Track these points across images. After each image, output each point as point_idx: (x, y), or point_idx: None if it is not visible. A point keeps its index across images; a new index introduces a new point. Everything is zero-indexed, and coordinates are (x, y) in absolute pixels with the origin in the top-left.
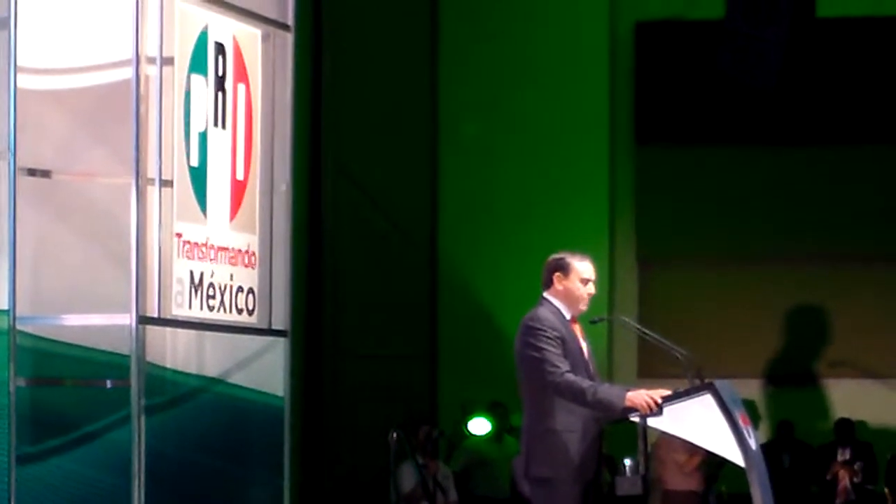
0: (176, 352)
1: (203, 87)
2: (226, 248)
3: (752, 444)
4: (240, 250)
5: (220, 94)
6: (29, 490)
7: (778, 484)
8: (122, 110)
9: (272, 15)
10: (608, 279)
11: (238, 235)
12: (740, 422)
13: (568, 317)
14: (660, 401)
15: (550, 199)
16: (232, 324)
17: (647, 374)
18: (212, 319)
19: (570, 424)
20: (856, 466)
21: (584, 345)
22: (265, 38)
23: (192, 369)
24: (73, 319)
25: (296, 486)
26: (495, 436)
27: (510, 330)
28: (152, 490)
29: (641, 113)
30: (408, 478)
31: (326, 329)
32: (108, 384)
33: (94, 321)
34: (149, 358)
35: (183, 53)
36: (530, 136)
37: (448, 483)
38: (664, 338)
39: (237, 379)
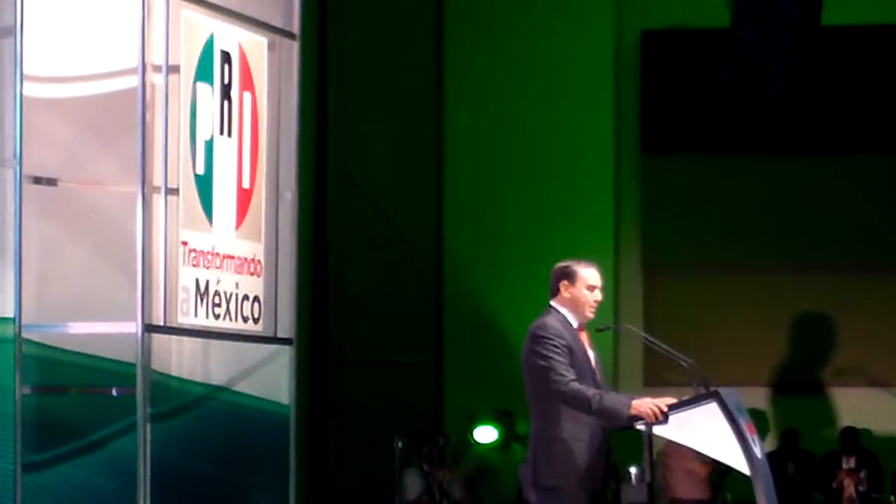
0: (181, 360)
1: (209, 96)
2: (231, 257)
3: (758, 452)
4: (245, 258)
5: (225, 102)
6: (34, 498)
7: (783, 492)
8: (127, 118)
9: (278, 23)
10: (613, 287)
11: (244, 243)
12: (745, 430)
13: (575, 325)
14: (665, 409)
15: (556, 208)
16: (237, 332)
17: (653, 382)
18: (217, 327)
19: (576, 433)
20: (861, 475)
21: (590, 353)
22: (271, 46)
23: (198, 377)
24: (79, 327)
25: (301, 494)
26: (502, 444)
27: (515, 338)
28: (158, 498)
29: (647, 121)
30: (413, 485)
31: (332, 337)
32: (114, 392)
33: (100, 329)
34: (154, 366)
35: (189, 62)
36: (536, 144)
37: (453, 489)
38: (669, 346)
39: (242, 387)
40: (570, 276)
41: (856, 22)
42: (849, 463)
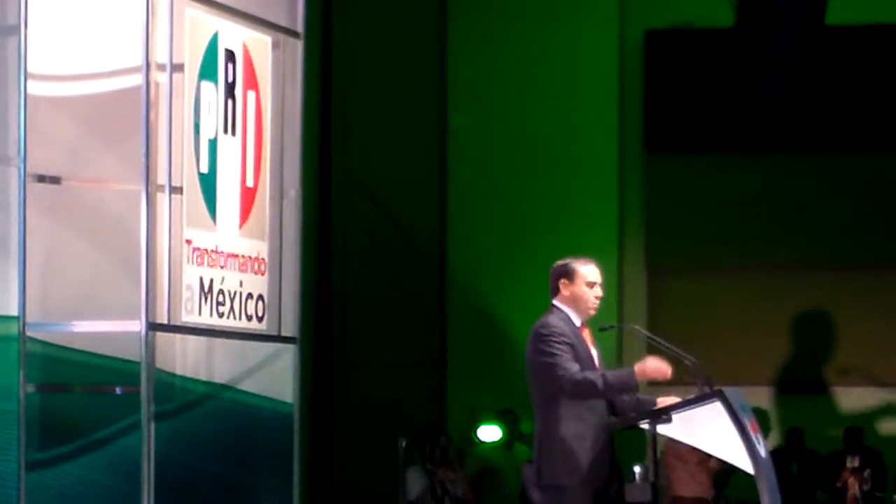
0: (185, 358)
1: (213, 94)
2: (235, 255)
3: (762, 451)
4: (249, 257)
5: (229, 100)
6: (38, 496)
7: (787, 491)
8: (131, 117)
9: (282, 22)
10: (617, 287)
11: (248, 242)
12: (749, 429)
13: (578, 323)
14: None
15: (560, 207)
16: (241, 330)
17: (657, 381)
18: (221, 326)
19: (581, 432)
20: (865, 474)
21: (593, 351)
22: (275, 45)
23: (202, 376)
24: (83, 326)
25: (305, 492)
26: (506, 443)
27: (519, 337)
28: (161, 496)
29: (651, 120)
30: (416, 484)
31: (335, 336)
32: (118, 390)
33: (104, 328)
34: (158, 364)
35: (193, 60)
36: (540, 144)
37: (456, 488)
38: (674, 345)
39: (246, 385)
40: (568, 273)
41: (860, 21)
42: (853, 462)
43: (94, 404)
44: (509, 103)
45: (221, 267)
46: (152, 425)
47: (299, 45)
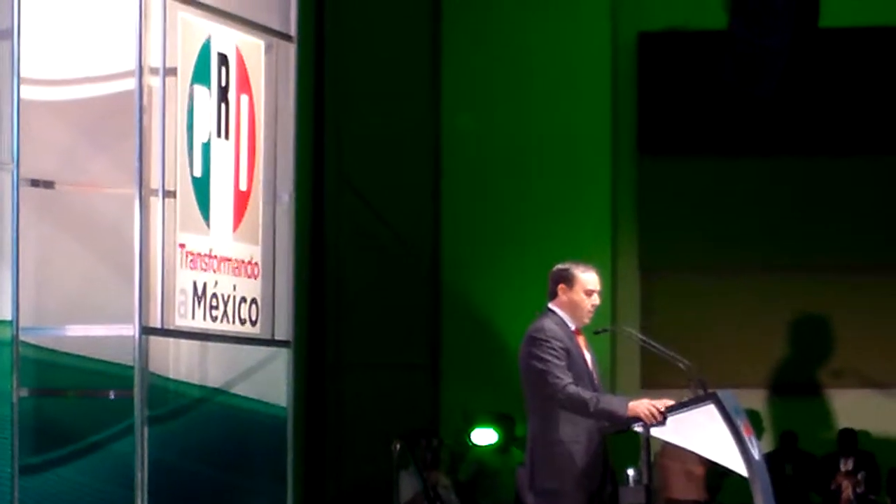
0: (179, 362)
1: (206, 98)
2: (229, 259)
3: (755, 453)
4: (243, 261)
5: (223, 104)
6: (32, 501)
7: (781, 494)
8: (125, 121)
9: (275, 26)
10: (611, 289)
11: (241, 246)
12: (743, 432)
13: (572, 327)
14: (663, 410)
15: (553, 209)
16: (235, 334)
17: (650, 384)
18: (215, 330)
19: (574, 435)
20: (858, 477)
21: (588, 355)
22: (268, 48)
23: (196, 380)
24: (76, 330)
25: (299, 496)
26: (502, 447)
27: (513, 340)
28: (155, 501)
29: (644, 123)
30: (410, 487)
31: (329, 339)
32: (112, 395)
33: (97, 332)
34: (152, 368)
35: (186, 64)
36: (533, 146)
37: (448, 493)
38: (667, 348)
39: (240, 389)
40: (568, 279)
41: (853, 24)
42: (847, 465)
43: (87, 409)
44: (503, 106)
45: (215, 271)
46: (146, 429)
47: (292, 49)
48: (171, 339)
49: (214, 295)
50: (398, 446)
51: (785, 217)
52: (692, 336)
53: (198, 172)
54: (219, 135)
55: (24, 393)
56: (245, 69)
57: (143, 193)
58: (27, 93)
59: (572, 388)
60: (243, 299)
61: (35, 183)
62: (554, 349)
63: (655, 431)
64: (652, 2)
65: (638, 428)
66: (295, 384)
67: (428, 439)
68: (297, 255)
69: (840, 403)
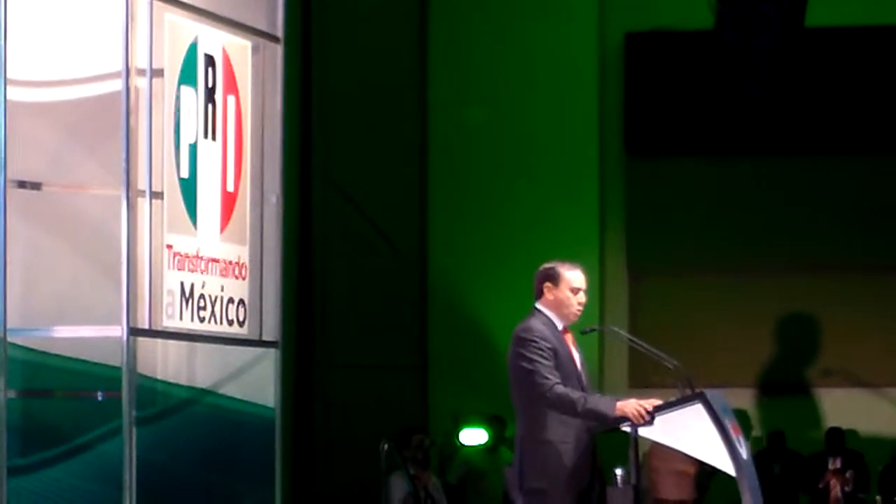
0: (167, 363)
1: (193, 99)
2: (216, 260)
3: (743, 453)
4: (230, 262)
5: (209, 105)
6: (20, 502)
7: (769, 493)
8: (112, 122)
9: (262, 26)
10: (599, 290)
11: (228, 247)
12: (731, 431)
13: (560, 327)
14: (650, 409)
15: (540, 210)
16: (223, 335)
17: (638, 384)
18: (202, 331)
19: (563, 435)
20: (847, 475)
21: (576, 355)
22: (255, 49)
23: (183, 380)
24: (64, 331)
25: (286, 497)
26: (491, 447)
27: (501, 339)
28: (143, 501)
29: (631, 124)
30: (398, 488)
31: (317, 340)
32: (99, 396)
33: (85, 333)
34: (140, 369)
35: (173, 65)
36: (520, 146)
37: (439, 494)
38: (655, 348)
39: (228, 390)
40: (553, 278)
41: (840, 23)
42: (835, 464)
43: (75, 410)
44: (490, 106)
45: (202, 272)
46: (134, 430)
47: (279, 50)
48: (159, 340)
49: (202, 296)
50: (386, 447)
51: (773, 217)
52: (679, 335)
53: (185, 173)
54: (206, 136)
55: (12, 394)
56: (232, 70)
57: (130, 194)
58: (13, 94)
59: (560, 389)
60: (231, 300)
61: (22, 184)
62: (541, 349)
63: (643, 431)
64: (639, 2)
65: (626, 428)
66: (283, 385)
67: (420, 439)
68: (284, 255)
69: (828, 403)
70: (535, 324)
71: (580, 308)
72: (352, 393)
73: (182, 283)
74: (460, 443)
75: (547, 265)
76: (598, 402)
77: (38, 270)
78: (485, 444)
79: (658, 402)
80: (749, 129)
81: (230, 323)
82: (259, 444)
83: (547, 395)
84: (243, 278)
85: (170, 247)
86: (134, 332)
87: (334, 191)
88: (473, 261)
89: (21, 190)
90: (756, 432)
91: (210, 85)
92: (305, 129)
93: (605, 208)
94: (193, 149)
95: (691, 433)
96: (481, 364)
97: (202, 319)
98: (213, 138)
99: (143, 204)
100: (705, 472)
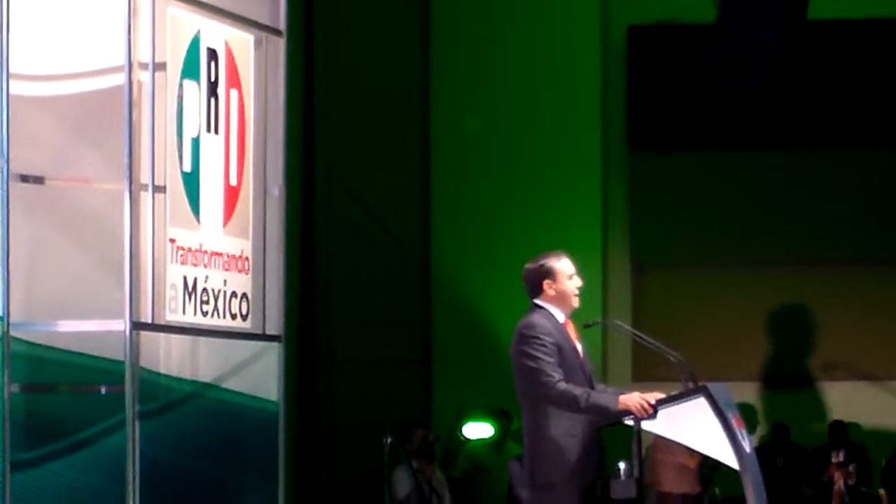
0: (170, 357)
1: (195, 93)
2: (219, 254)
3: (747, 446)
4: (233, 255)
5: (212, 99)
6: (23, 496)
7: (772, 486)
8: (114, 116)
9: (264, 20)
10: (602, 283)
11: (231, 241)
12: (734, 424)
13: (561, 320)
14: (653, 402)
15: (543, 203)
16: (225, 329)
17: (642, 377)
18: (205, 325)
19: (570, 429)
20: (850, 468)
21: (579, 346)
22: (257, 43)
23: (186, 374)
24: (67, 325)
25: (290, 491)
26: (497, 441)
27: (504, 333)
28: (147, 495)
29: (634, 117)
30: (402, 483)
31: (320, 334)
32: (103, 390)
33: (88, 327)
34: (143, 363)
35: (175, 59)
36: (523, 140)
37: (443, 488)
38: (658, 341)
39: (231, 384)
40: (550, 273)
41: (842, 16)
42: (838, 456)
43: (78, 404)
44: (493, 101)
45: (205, 266)
46: (137, 424)
47: (282, 43)
48: (162, 335)
49: (205, 290)
50: (389, 441)
51: (776, 210)
52: (682, 329)
53: (187, 167)
54: (208, 130)
55: (15, 388)
56: (234, 64)
57: (132, 188)
58: (16, 88)
59: (563, 385)
60: (234, 294)
61: (25, 178)
62: (544, 345)
63: (646, 425)
64: None
65: (629, 421)
66: (286, 379)
67: (423, 433)
68: (287, 249)
69: (831, 396)
70: (538, 319)
71: (578, 292)
72: (355, 387)
73: (185, 277)
74: (464, 437)
75: (536, 264)
76: (601, 396)
77: (41, 265)
78: (490, 438)
79: (661, 395)
80: (752, 123)
81: (233, 317)
82: (262, 439)
83: (550, 393)
84: (246, 272)
85: (173, 241)
86: (137, 326)
87: (337, 185)
88: (476, 254)
89: (24, 184)
90: (760, 426)
91: (213, 79)
92: (308, 123)
93: (608, 202)
94: (196, 143)
95: (694, 427)
96: (484, 358)
97: (205, 313)
98: (216, 132)
99: (145, 198)
100: (708, 466)
